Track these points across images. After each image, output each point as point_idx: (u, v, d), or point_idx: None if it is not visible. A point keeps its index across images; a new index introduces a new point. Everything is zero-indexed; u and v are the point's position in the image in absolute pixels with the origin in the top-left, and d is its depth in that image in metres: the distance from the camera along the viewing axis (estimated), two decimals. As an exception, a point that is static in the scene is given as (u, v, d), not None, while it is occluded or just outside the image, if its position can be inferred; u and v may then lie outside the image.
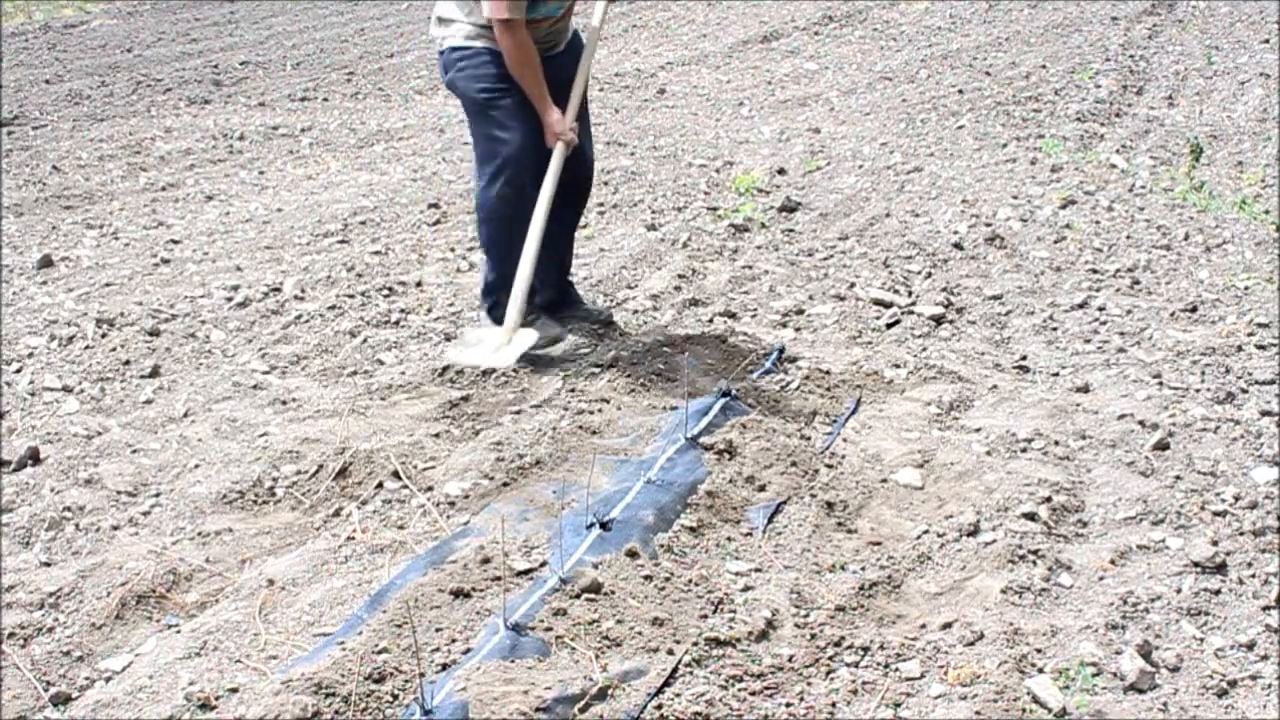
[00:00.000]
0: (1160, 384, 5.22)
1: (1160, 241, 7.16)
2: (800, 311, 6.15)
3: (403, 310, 6.31)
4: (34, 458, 4.77)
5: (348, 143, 10.29)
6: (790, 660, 3.49)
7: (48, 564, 4.07)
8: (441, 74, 5.54)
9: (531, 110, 5.35)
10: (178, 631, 3.69)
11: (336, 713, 3.10)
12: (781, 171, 8.77)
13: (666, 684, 3.30)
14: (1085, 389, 5.23)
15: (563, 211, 5.60)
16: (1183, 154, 8.98)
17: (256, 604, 3.73)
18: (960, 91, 11.31)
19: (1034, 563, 3.92)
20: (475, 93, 5.36)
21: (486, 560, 3.79)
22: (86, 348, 5.87)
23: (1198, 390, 5.14)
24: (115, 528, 4.29)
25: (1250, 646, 3.54)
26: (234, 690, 3.31)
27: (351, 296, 6.46)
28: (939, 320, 6.04)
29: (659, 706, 3.21)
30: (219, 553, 4.13)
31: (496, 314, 5.53)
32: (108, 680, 3.51)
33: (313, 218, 8.01)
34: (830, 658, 3.54)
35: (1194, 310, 6.09)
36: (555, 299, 5.87)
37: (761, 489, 4.38)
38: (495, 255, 5.56)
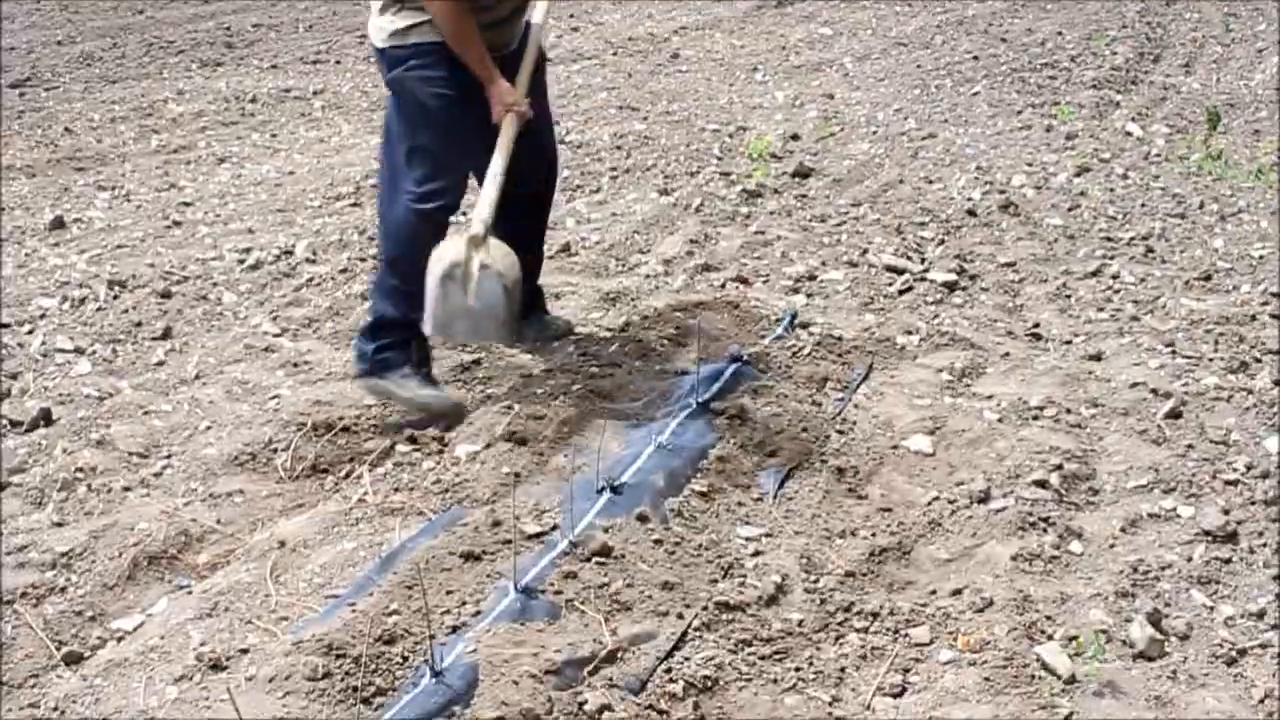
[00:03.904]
0: (1173, 353, 5.20)
1: (1175, 210, 7.12)
2: (812, 277, 6.12)
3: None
4: (46, 418, 4.78)
5: (360, 105, 10.27)
6: (800, 625, 3.50)
7: (60, 524, 4.08)
8: (384, 70, 4.74)
9: (488, 128, 4.64)
10: (189, 592, 3.70)
11: (347, 674, 3.11)
12: (795, 137, 8.74)
13: (676, 648, 3.31)
14: (1098, 357, 5.22)
15: (529, 213, 5.09)
16: (1199, 122, 8.93)
17: (267, 565, 3.74)
18: (975, 58, 11.26)
19: (1044, 530, 3.92)
20: (425, 104, 4.63)
21: (497, 523, 3.79)
22: (98, 309, 5.88)
23: (1211, 359, 5.13)
24: (127, 489, 4.30)
25: (1260, 615, 3.54)
26: (245, 651, 3.32)
27: (363, 259, 6.45)
28: (952, 287, 6.02)
29: (668, 670, 3.22)
30: (230, 514, 4.14)
31: (387, 356, 4.69)
32: (119, 640, 3.52)
33: (325, 180, 7.99)
34: (840, 623, 3.55)
35: (1208, 279, 6.06)
36: (524, 302, 4.97)
37: (772, 454, 4.38)
38: (400, 285, 4.70)
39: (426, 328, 4.43)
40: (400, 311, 4.70)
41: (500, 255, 4.46)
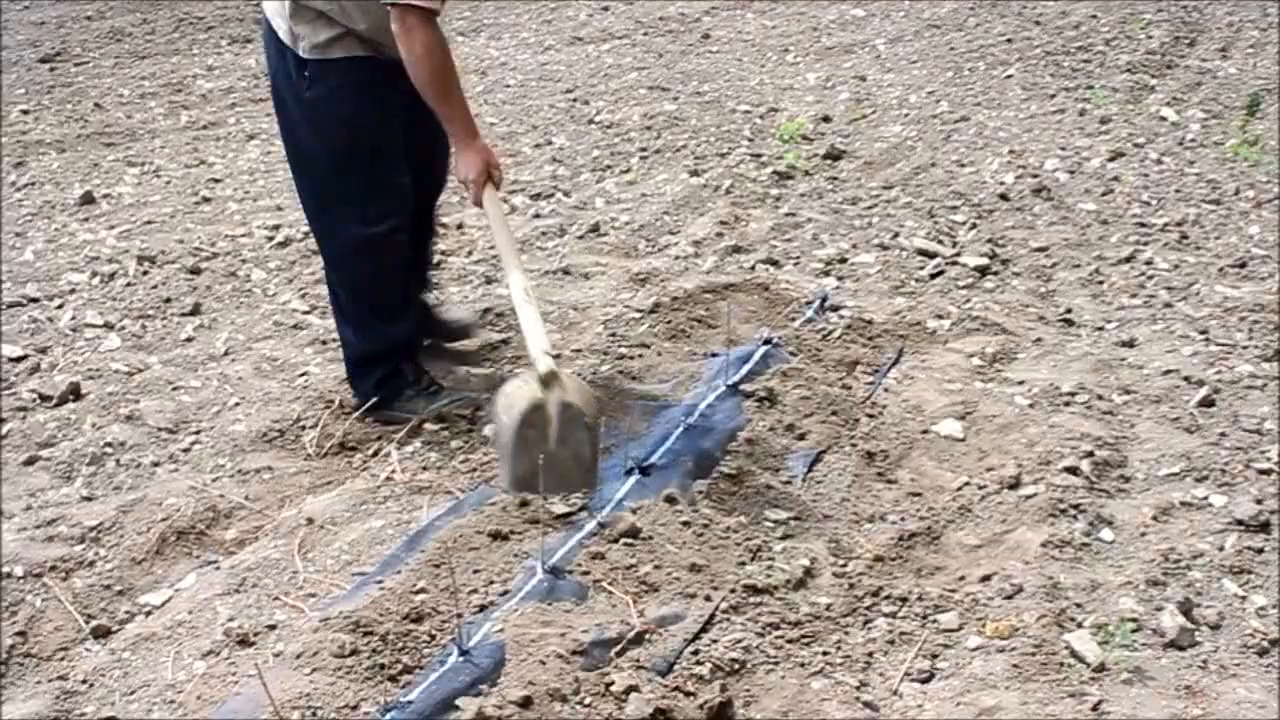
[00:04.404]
0: (1207, 340, 5.16)
1: (1210, 196, 7.05)
2: (843, 260, 6.10)
3: (443, 252, 6.28)
4: (75, 393, 4.80)
5: (390, 84, 10.24)
6: (828, 609, 3.48)
7: (89, 498, 4.10)
8: (301, 84, 4.15)
9: (417, 129, 4.32)
10: (217, 568, 3.71)
11: (374, 651, 3.12)
12: (826, 119, 8.69)
13: (703, 630, 3.30)
14: (1130, 344, 5.18)
15: (422, 211, 4.68)
16: (1235, 107, 8.83)
17: (295, 542, 3.75)
18: (1009, 40, 11.16)
19: (1075, 517, 3.90)
20: (363, 123, 4.19)
21: (525, 503, 3.78)
22: (128, 285, 5.89)
23: (1245, 347, 5.08)
24: (155, 464, 4.31)
25: (1293, 606, 3.51)
26: (273, 627, 3.33)
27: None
28: (983, 271, 5.98)
29: (695, 652, 3.21)
30: (258, 491, 4.15)
31: (387, 385, 4.52)
32: (147, 614, 3.54)
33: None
34: (868, 608, 3.54)
35: (1243, 266, 6.00)
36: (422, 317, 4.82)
37: (801, 437, 4.36)
38: (373, 317, 4.47)
39: (504, 485, 3.87)
40: (382, 343, 4.49)
41: (577, 390, 3.85)
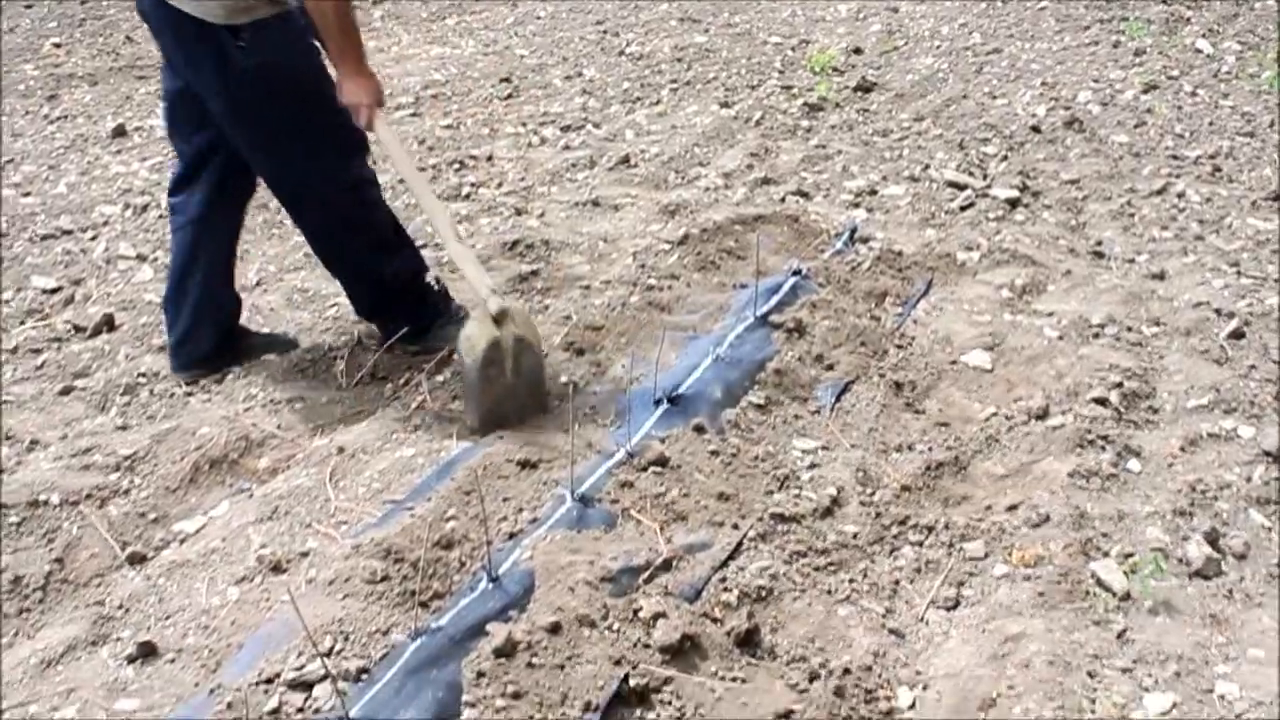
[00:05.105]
0: (1238, 273, 5.13)
1: (1244, 128, 6.99)
2: (873, 192, 6.07)
3: (473, 184, 6.29)
4: (109, 324, 4.83)
5: (420, 16, 10.21)
6: (854, 538, 3.50)
7: (123, 428, 4.13)
8: (237, 57, 3.90)
9: None
10: (250, 496, 3.74)
11: (405, 578, 3.15)
12: (858, 51, 8.63)
13: (731, 557, 3.32)
14: (1161, 276, 5.16)
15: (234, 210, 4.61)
16: (1271, 39, 8.74)
17: (327, 471, 3.77)
18: (1043, -29, 11.06)
19: (1103, 448, 3.90)
20: (311, 71, 4.12)
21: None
22: (160, 217, 5.91)
23: (1276, 280, 5.05)
24: (189, 394, 4.34)
25: (1320, 536, 3.51)
26: (305, 554, 3.37)
27: (422, 170, 6.45)
28: (1014, 204, 5.95)
29: (723, 579, 3.23)
30: (290, 420, 4.18)
31: (417, 322, 4.53)
32: (182, 542, 3.57)
33: (384, 90, 7.97)
34: (894, 536, 3.55)
35: (1276, 199, 5.96)
36: (228, 333, 4.58)
37: (830, 368, 4.37)
38: (380, 247, 4.42)
39: (472, 424, 3.97)
40: (392, 280, 4.44)
41: (525, 321, 4.03)
